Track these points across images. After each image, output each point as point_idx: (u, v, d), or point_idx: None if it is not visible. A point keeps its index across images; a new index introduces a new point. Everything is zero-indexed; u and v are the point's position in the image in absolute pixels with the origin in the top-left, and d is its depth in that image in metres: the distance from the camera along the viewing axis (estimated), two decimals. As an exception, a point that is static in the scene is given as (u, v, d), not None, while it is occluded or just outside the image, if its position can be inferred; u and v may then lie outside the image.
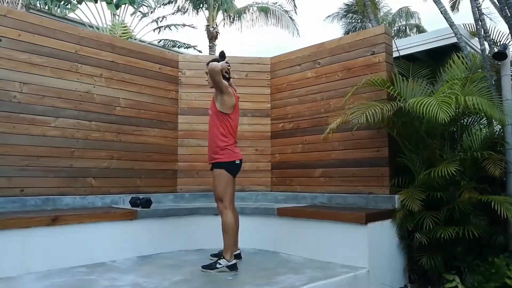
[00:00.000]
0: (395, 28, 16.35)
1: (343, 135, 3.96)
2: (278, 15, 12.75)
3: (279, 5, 12.91)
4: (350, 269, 2.98)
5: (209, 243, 3.25)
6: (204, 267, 2.94)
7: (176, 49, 11.83)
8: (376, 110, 3.17)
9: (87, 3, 9.18)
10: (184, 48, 12.15)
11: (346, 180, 4.00)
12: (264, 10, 12.59)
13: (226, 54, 3.06)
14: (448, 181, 3.08)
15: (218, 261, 2.93)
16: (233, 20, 12.86)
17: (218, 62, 2.97)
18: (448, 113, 2.86)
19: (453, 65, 3.67)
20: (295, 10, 12.96)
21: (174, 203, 4.37)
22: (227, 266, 2.90)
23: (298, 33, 13.11)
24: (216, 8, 12.48)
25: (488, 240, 3.25)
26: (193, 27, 12.27)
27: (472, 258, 3.18)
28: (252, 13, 12.72)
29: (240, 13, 12.70)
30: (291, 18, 12.93)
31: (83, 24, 9.37)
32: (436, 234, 3.11)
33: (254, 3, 12.88)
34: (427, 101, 2.96)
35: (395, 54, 4.09)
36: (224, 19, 13.20)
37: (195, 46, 12.32)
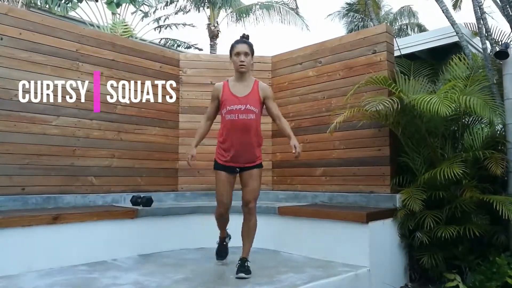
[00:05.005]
0: (397, 27, 16.30)
1: (344, 134, 3.95)
2: (282, 12, 12.64)
3: (283, 3, 12.83)
4: (351, 268, 2.98)
5: (210, 242, 3.25)
6: (244, 272, 2.67)
7: (177, 48, 11.83)
8: (392, 100, 3.20)
9: (88, 2, 9.18)
10: (185, 47, 12.15)
11: (347, 179, 3.99)
12: (268, 8, 12.46)
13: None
14: (449, 180, 3.08)
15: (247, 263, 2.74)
16: (239, 17, 12.75)
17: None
18: (450, 107, 2.93)
19: (454, 64, 3.67)
20: (296, 10, 12.91)
21: (175, 201, 4.37)
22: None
23: (307, 28, 12.95)
24: (218, 7, 12.43)
25: (489, 239, 3.24)
26: (193, 26, 12.25)
27: (473, 258, 3.17)
28: (256, 11, 12.61)
29: (243, 11, 12.61)
30: (298, 14, 12.83)
31: (83, 22, 9.38)
32: (437, 233, 3.11)
33: (258, 2, 12.78)
34: (429, 98, 3.02)
35: (396, 53, 4.08)
36: (227, 16, 13.15)
37: (195, 44, 12.32)
